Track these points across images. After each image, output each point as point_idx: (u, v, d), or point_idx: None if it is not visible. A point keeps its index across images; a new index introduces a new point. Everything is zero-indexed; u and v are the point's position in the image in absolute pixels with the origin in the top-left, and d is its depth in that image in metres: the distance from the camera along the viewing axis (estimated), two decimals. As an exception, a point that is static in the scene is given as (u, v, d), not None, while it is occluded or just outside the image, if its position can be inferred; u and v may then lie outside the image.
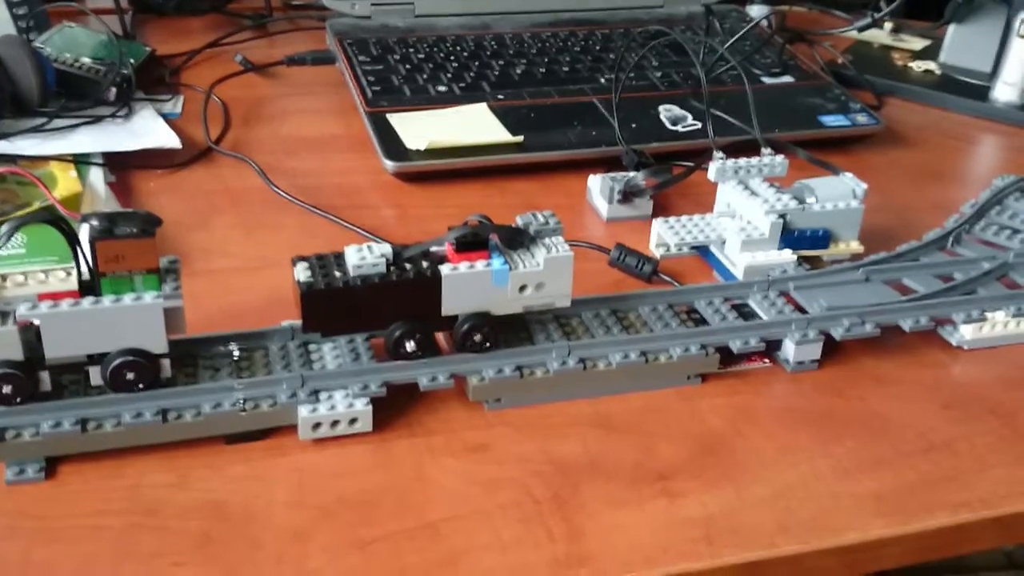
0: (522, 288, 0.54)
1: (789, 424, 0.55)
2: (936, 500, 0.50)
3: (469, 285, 0.53)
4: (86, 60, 0.83)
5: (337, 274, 0.51)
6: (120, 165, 0.76)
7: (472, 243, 0.53)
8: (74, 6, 0.91)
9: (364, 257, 0.51)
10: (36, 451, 0.48)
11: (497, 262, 0.53)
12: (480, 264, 0.53)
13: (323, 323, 0.52)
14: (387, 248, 0.52)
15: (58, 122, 0.77)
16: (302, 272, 0.51)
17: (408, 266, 0.52)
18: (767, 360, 0.60)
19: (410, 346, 0.53)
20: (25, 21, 0.87)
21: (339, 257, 0.52)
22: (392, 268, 0.52)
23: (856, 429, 0.55)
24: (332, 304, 0.51)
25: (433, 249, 0.53)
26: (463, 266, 0.52)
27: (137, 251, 0.47)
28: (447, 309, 0.53)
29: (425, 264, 0.52)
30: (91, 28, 0.90)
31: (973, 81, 1.00)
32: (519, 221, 0.56)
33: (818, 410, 0.56)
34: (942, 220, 0.71)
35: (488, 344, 0.54)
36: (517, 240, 0.55)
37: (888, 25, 1.13)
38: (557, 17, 1.02)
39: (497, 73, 0.89)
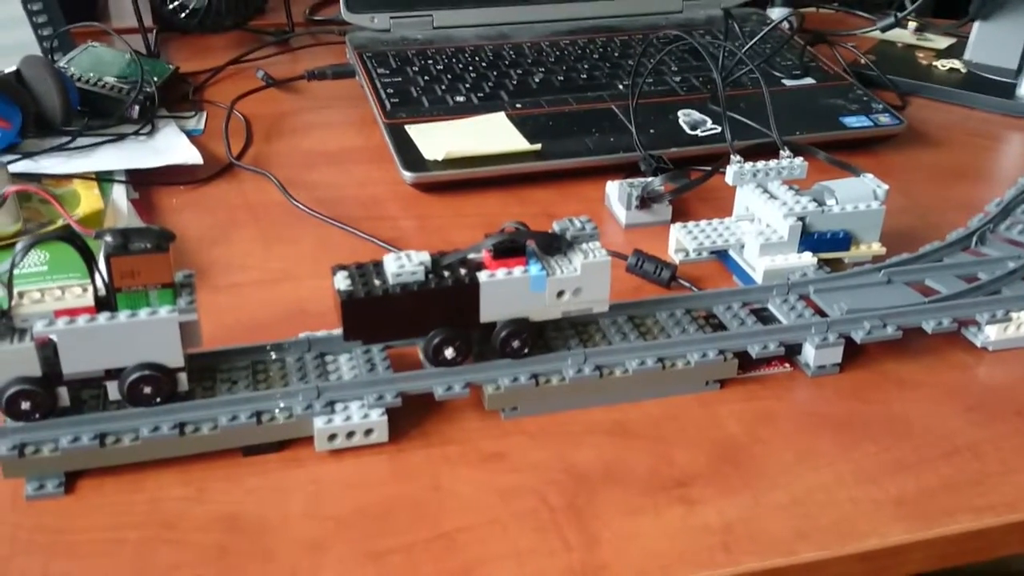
0: (560, 294, 0.54)
1: (809, 429, 0.54)
2: (959, 504, 0.49)
3: (507, 292, 0.53)
4: (110, 79, 0.84)
5: (376, 282, 0.51)
6: (143, 182, 0.76)
7: (509, 250, 0.53)
8: (98, 26, 0.92)
9: (403, 265, 0.51)
10: (55, 466, 0.48)
11: (534, 268, 0.53)
12: (518, 271, 0.53)
13: (363, 331, 0.52)
14: (425, 256, 0.52)
15: (81, 140, 0.78)
16: (342, 281, 0.51)
17: (446, 274, 0.52)
18: (787, 365, 0.59)
19: (449, 353, 0.53)
20: (49, 42, 0.89)
21: (378, 266, 0.52)
22: (430, 276, 0.52)
23: (878, 433, 0.54)
24: (372, 312, 0.51)
25: (471, 256, 0.53)
26: (501, 273, 0.52)
27: (151, 266, 0.48)
28: (485, 316, 0.53)
29: (463, 271, 0.52)
30: (116, 48, 0.91)
31: (998, 79, 0.99)
32: (555, 227, 0.56)
33: (839, 414, 0.55)
34: (966, 220, 0.70)
35: (526, 351, 0.54)
36: (554, 246, 0.55)
37: (912, 24, 1.12)
38: (576, 25, 1.02)
39: (515, 82, 0.89)
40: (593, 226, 0.55)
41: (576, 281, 0.54)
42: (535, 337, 0.54)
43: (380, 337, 0.53)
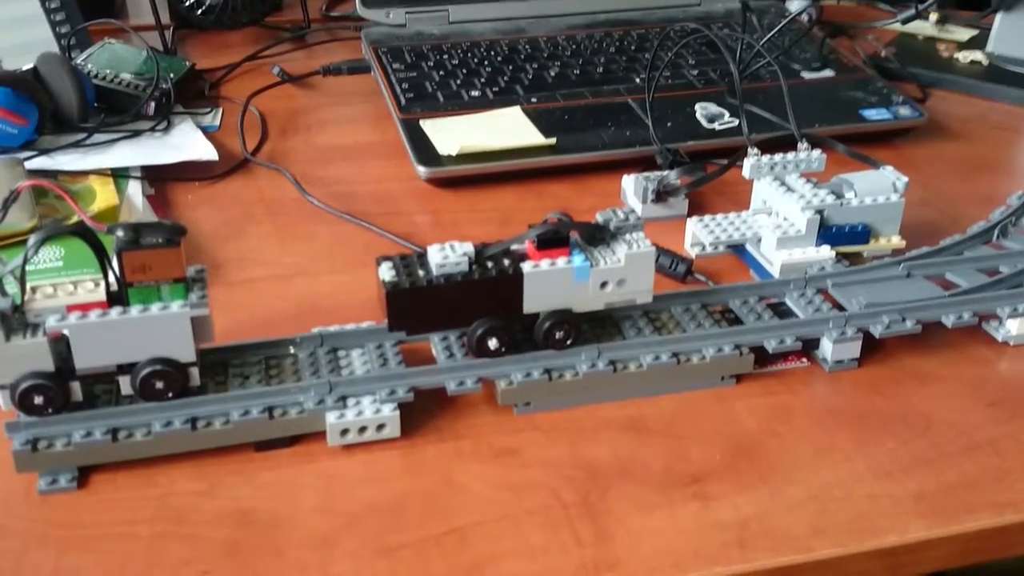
0: (603, 284, 0.54)
1: (827, 425, 0.54)
2: (979, 501, 0.49)
3: (551, 282, 0.53)
4: (126, 76, 0.84)
5: (421, 273, 0.51)
6: (159, 178, 0.77)
7: (553, 240, 0.53)
8: (115, 24, 0.93)
9: (447, 256, 0.51)
10: (68, 461, 0.48)
11: (578, 259, 0.53)
12: (561, 261, 0.52)
13: (408, 322, 0.52)
14: (469, 247, 0.52)
15: (98, 137, 0.78)
16: (387, 272, 0.51)
17: (490, 264, 0.52)
18: (804, 359, 0.58)
19: (493, 343, 0.53)
20: (67, 39, 0.89)
21: (422, 256, 0.53)
22: (474, 267, 0.52)
23: (896, 429, 0.53)
24: (416, 303, 0.51)
25: (514, 247, 0.53)
26: (544, 263, 0.52)
27: (163, 261, 0.48)
28: (529, 307, 0.53)
29: (507, 262, 0.52)
30: (133, 45, 0.91)
31: (1021, 71, 0.97)
32: (599, 218, 0.55)
33: (857, 410, 0.55)
34: (987, 213, 0.69)
35: (570, 342, 0.54)
36: (598, 237, 0.54)
37: (933, 16, 1.11)
38: (593, 19, 1.02)
39: (531, 76, 0.89)
40: (636, 217, 0.55)
41: (620, 272, 0.53)
42: (578, 328, 0.54)
43: (424, 328, 0.53)
